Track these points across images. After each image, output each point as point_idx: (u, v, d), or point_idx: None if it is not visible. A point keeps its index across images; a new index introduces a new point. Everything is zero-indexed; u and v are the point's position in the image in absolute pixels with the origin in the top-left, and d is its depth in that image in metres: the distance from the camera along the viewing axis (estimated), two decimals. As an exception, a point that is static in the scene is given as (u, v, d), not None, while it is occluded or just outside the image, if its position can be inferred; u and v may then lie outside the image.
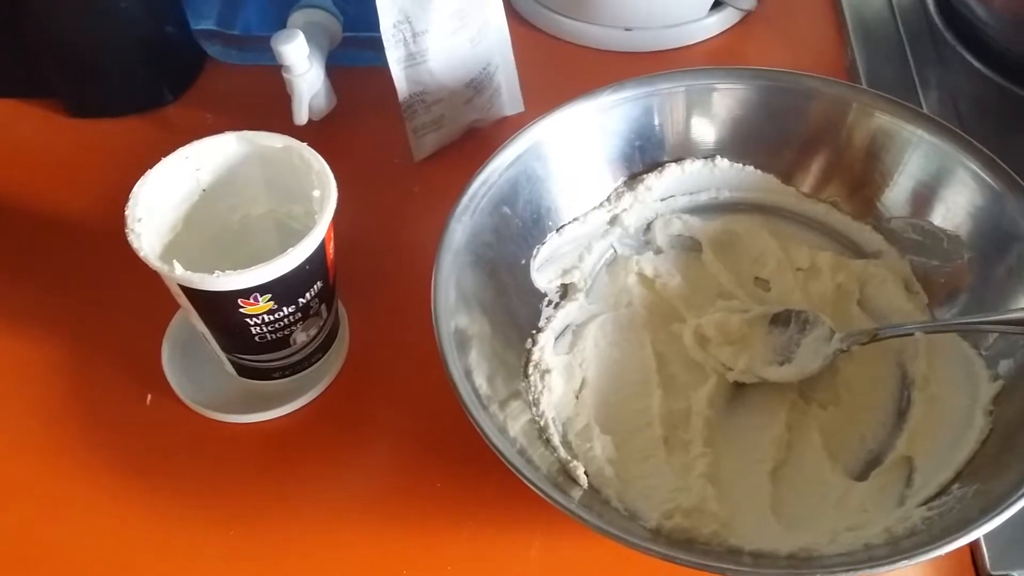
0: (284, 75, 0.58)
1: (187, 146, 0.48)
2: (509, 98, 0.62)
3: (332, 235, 0.47)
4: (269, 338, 0.47)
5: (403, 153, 0.61)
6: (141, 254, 0.44)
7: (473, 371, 0.43)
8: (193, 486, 0.48)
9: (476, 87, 0.59)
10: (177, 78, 0.65)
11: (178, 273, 0.43)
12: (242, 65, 0.67)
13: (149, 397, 0.51)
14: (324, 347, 0.51)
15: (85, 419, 0.50)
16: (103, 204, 0.56)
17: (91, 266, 0.56)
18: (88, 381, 0.52)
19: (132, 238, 0.44)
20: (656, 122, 0.53)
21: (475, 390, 0.42)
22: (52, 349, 0.53)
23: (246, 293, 0.44)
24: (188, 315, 0.47)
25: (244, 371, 0.50)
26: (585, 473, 0.45)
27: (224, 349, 0.49)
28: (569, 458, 0.45)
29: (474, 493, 0.47)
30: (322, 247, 0.46)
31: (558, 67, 0.66)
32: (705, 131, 0.54)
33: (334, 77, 0.62)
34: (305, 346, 0.49)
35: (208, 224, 0.50)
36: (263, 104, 0.60)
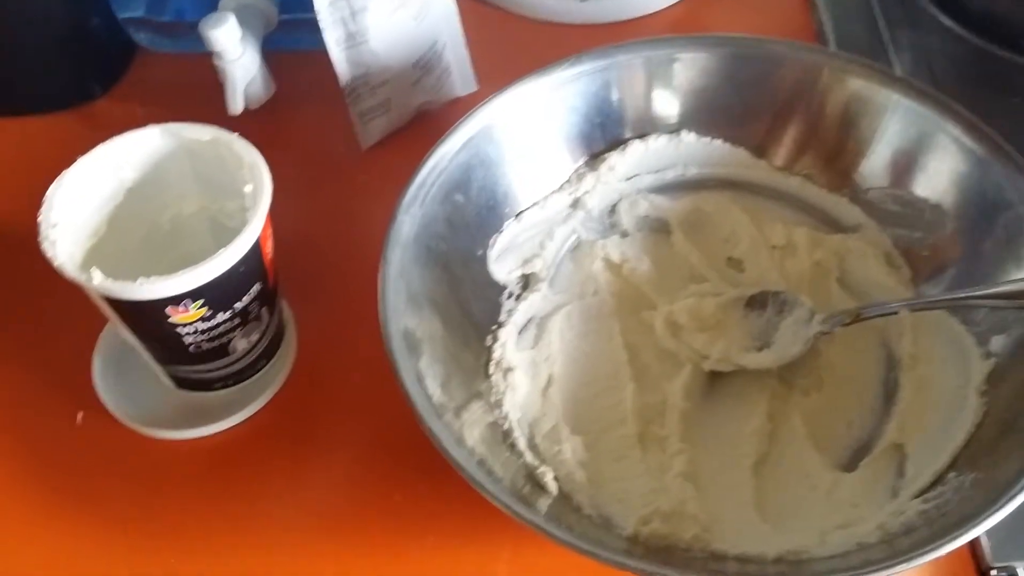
0: (215, 62, 0.54)
1: (107, 143, 0.44)
2: (460, 77, 0.58)
3: (270, 232, 0.44)
4: (205, 347, 0.43)
5: (349, 141, 0.57)
6: (56, 263, 0.40)
7: (426, 376, 0.40)
8: (130, 510, 0.44)
9: (423, 67, 0.56)
10: (104, 70, 0.61)
11: (96, 282, 0.39)
12: (175, 54, 0.62)
13: (80, 415, 0.47)
14: (268, 353, 0.47)
15: (10, 441, 0.46)
16: (25, 208, 0.51)
17: (11, 276, 0.52)
18: (12, 399, 0.48)
19: (46, 246, 0.40)
20: (616, 97, 0.49)
21: (428, 397, 0.39)
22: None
23: (175, 300, 0.40)
24: (115, 326, 0.43)
25: (182, 383, 0.46)
26: (555, 479, 0.41)
27: (158, 361, 0.45)
28: (536, 463, 0.42)
29: (436, 505, 0.44)
30: (257, 246, 0.42)
31: (512, 43, 0.63)
32: (669, 104, 0.50)
33: (272, 63, 0.58)
34: (247, 353, 0.45)
35: (135, 226, 0.46)
36: (199, 95, 0.56)
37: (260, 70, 0.56)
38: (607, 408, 0.46)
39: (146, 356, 0.45)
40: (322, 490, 0.45)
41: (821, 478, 0.43)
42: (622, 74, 0.49)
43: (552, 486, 0.41)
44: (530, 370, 0.46)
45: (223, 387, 0.47)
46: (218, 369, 0.45)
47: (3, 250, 0.53)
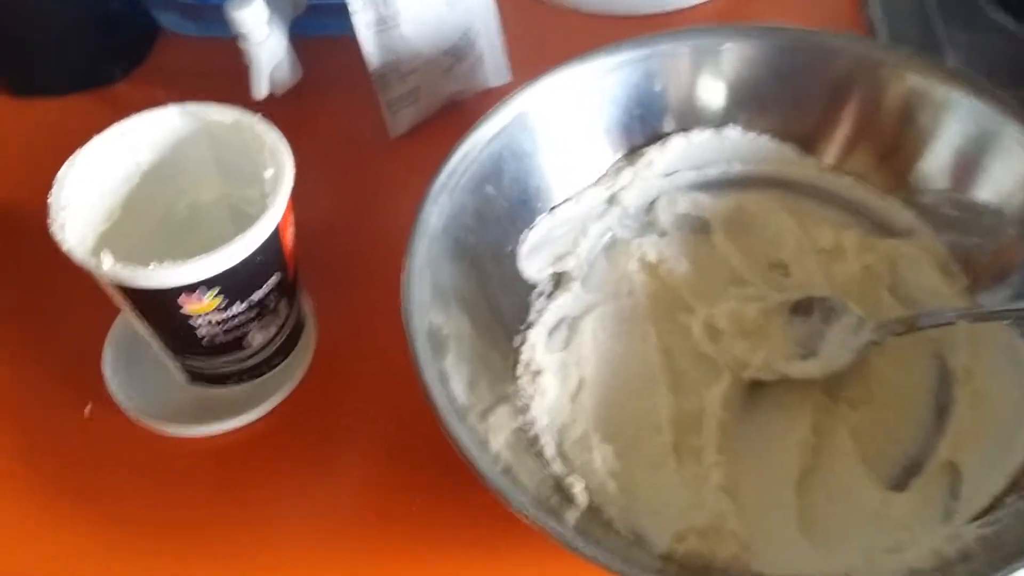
0: (241, 45, 0.52)
1: (122, 122, 0.42)
2: (493, 67, 0.56)
3: (291, 221, 0.41)
4: (220, 340, 0.41)
5: (376, 130, 0.55)
6: (65, 247, 0.38)
7: (451, 376, 0.37)
8: (138, 509, 0.42)
9: (455, 55, 0.53)
10: (127, 53, 0.59)
11: (106, 268, 0.37)
12: (200, 37, 0.61)
13: (88, 407, 0.45)
14: (286, 349, 0.45)
15: (14, 433, 0.45)
16: (40, 191, 0.50)
17: (24, 260, 0.50)
18: (19, 389, 0.46)
19: (55, 229, 0.38)
20: (657, 88, 0.47)
21: (452, 399, 0.36)
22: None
23: (188, 289, 0.38)
24: (127, 315, 0.41)
25: (195, 377, 0.44)
26: (584, 489, 0.39)
27: (171, 353, 0.43)
28: (565, 473, 0.40)
29: (458, 514, 0.41)
30: (277, 235, 0.40)
31: (549, 34, 0.60)
32: (713, 97, 0.47)
33: (299, 48, 0.56)
34: (263, 348, 0.43)
35: (151, 212, 0.44)
36: (223, 81, 0.54)
37: (287, 54, 0.54)
38: (640, 415, 0.43)
39: (158, 347, 0.43)
40: (338, 494, 0.43)
41: (869, 497, 0.40)
42: (665, 64, 0.46)
43: (581, 497, 0.39)
44: (560, 373, 0.43)
45: (237, 382, 0.45)
46: (233, 363, 0.43)
47: (17, 234, 0.51)
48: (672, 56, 0.46)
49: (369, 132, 0.55)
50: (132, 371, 0.46)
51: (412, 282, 0.39)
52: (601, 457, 0.41)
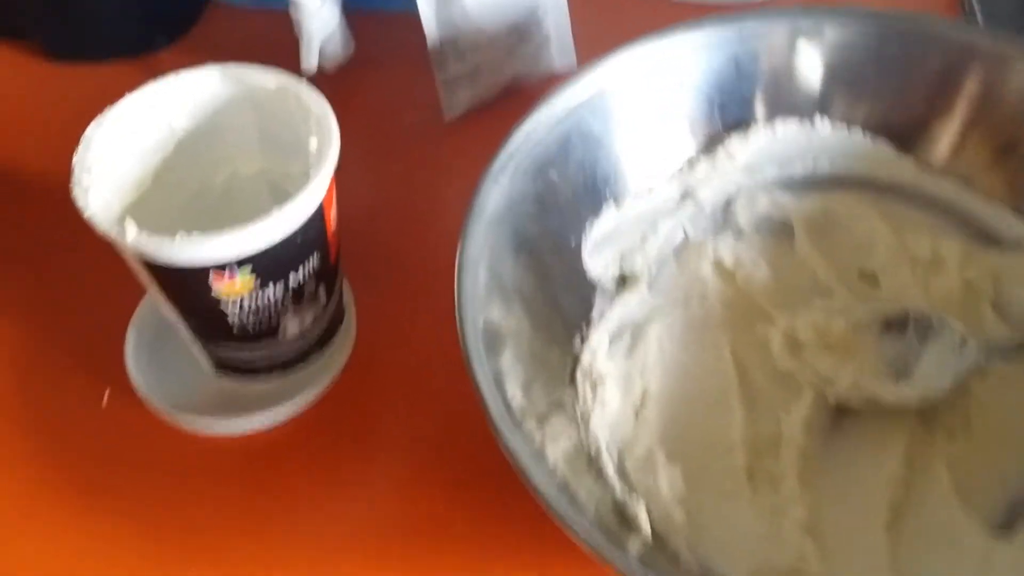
0: (292, 13, 0.48)
1: (158, 80, 0.38)
2: (559, 51, 0.52)
3: (334, 198, 0.38)
4: (252, 327, 0.38)
5: (431, 111, 0.51)
6: (86, 213, 0.34)
7: (506, 377, 0.33)
8: (153, 508, 0.39)
9: (520, 34, 0.49)
10: (173, 19, 0.56)
11: (130, 239, 0.33)
12: (250, 8, 0.57)
13: (106, 395, 0.41)
14: (323, 341, 0.41)
15: (24, 421, 0.41)
16: (68, 161, 0.47)
17: (49, 232, 0.47)
18: (34, 369, 0.42)
19: (77, 192, 0.35)
20: (742, 72, 0.42)
21: (507, 402, 0.32)
22: (6, 325, 0.44)
23: (219, 267, 0.35)
24: (152, 295, 0.38)
25: (223, 367, 0.41)
26: (648, 516, 0.35)
27: (198, 339, 0.39)
28: (626, 495, 0.35)
29: (507, 531, 0.37)
30: (320, 212, 0.36)
31: (621, 19, 0.56)
32: (804, 85, 0.43)
33: (353, 24, 0.52)
34: (298, 338, 0.40)
35: (183, 184, 0.40)
36: (270, 52, 0.49)
37: (339, 27, 0.50)
38: (711, 435, 0.39)
39: (185, 332, 0.39)
40: (373, 502, 0.39)
41: (971, 542, 0.35)
42: (754, 45, 0.42)
43: (645, 525, 0.34)
44: (622, 383, 0.39)
45: (268, 376, 0.41)
46: (264, 354, 0.39)
47: (43, 204, 0.48)
48: (762, 37, 0.42)
49: (421, 114, 0.51)
50: (155, 358, 0.42)
51: (466, 272, 0.35)
52: (667, 480, 0.36)
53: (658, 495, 0.36)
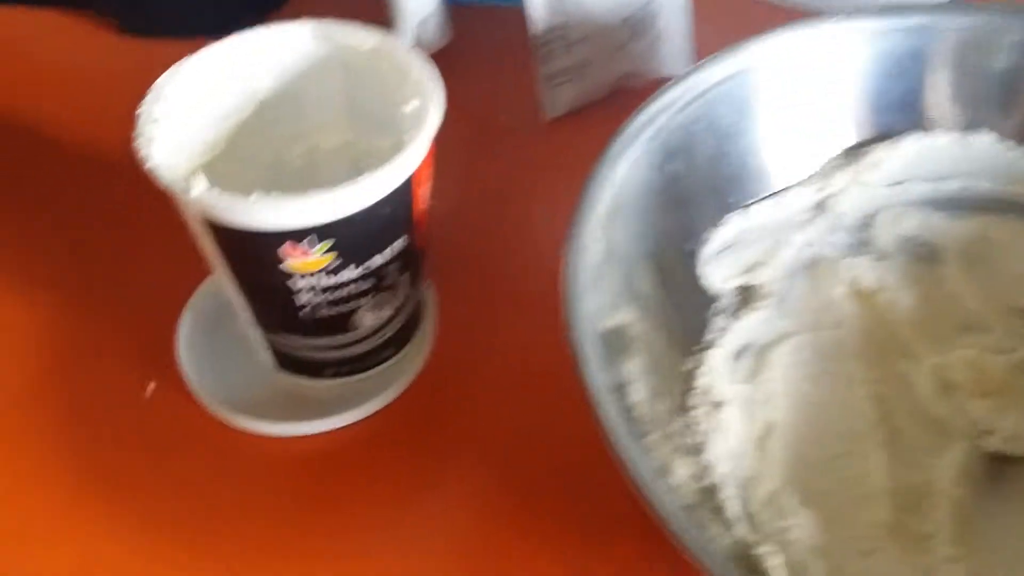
0: (387, -8, 0.45)
1: (242, 33, 0.34)
2: (674, 51, 0.47)
3: (430, 175, 0.33)
4: (323, 314, 0.33)
5: (527, 110, 0.47)
6: (148, 164, 0.30)
7: (628, 388, 0.28)
8: (197, 519, 0.34)
9: (633, 28, 0.45)
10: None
11: (196, 194, 0.29)
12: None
13: (151, 386, 0.37)
14: (400, 339, 0.36)
15: (59, 409, 0.36)
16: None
17: (107, 207, 0.43)
18: (72, 356, 0.38)
19: (141, 143, 0.31)
20: (902, 71, 0.37)
21: (627, 409, 0.27)
22: (43, 307, 0.39)
23: (295, 236, 0.30)
24: (215, 270, 0.33)
25: (286, 362, 0.36)
26: (784, 566, 0.29)
27: (261, 326, 0.35)
28: (754, 539, 0.29)
29: (614, 566, 0.31)
30: (410, 186, 0.32)
31: (744, 23, 0.51)
32: (967, 92, 0.38)
33: (451, 14, 0.48)
34: (373, 334, 0.35)
35: (260, 152, 0.36)
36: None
37: (436, 10, 0.46)
38: (848, 481, 0.33)
39: (247, 319, 0.35)
40: (451, 527, 0.33)
41: None
42: (918, 42, 0.37)
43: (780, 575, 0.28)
44: (745, 410, 0.34)
45: (336, 375, 0.36)
46: (335, 349, 0.35)
47: (106, 178, 0.44)
48: (929, 33, 0.37)
49: (520, 111, 0.47)
50: (211, 349, 0.38)
51: (577, 270, 0.30)
52: (801, 527, 0.30)
53: (792, 542, 0.30)
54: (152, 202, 0.41)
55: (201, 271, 0.39)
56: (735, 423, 0.33)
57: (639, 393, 0.28)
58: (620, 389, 0.27)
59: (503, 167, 0.46)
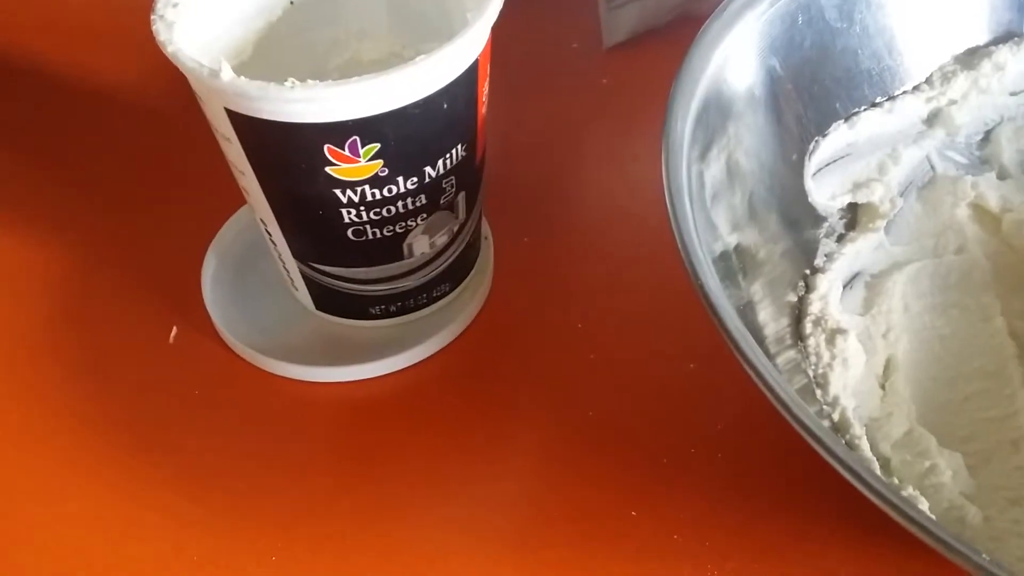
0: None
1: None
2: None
3: (488, 74, 0.29)
4: (371, 235, 0.28)
5: (586, 37, 0.42)
6: (168, 49, 0.25)
7: (757, 305, 0.23)
8: (227, 472, 0.29)
9: (704, -60, 0.40)
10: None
11: (225, 79, 0.24)
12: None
13: (174, 331, 0.32)
14: (456, 274, 0.32)
15: (75, 355, 0.32)
16: (165, 75, 0.39)
17: (136, 143, 0.39)
18: (89, 298, 0.34)
19: (159, 27, 0.26)
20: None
21: (758, 332, 0.22)
22: (56, 250, 0.35)
23: (338, 133, 0.25)
24: (245, 189, 0.29)
25: (325, 300, 0.31)
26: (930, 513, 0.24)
27: (298, 257, 0.30)
28: (896, 482, 0.25)
29: (702, 526, 0.27)
30: (474, 75, 0.27)
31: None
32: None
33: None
34: (427, 263, 0.30)
35: (292, 62, 0.31)
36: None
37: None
38: (989, 422, 0.28)
39: (281, 248, 0.30)
40: (506, 482, 0.29)
41: None
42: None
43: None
44: (864, 343, 0.29)
45: (383, 315, 0.31)
46: (381, 282, 0.30)
47: (135, 115, 0.40)
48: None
49: (576, 39, 0.43)
50: (239, 288, 0.33)
51: (674, 184, 0.25)
52: (950, 469, 0.25)
53: (938, 487, 0.25)
54: (176, 140, 0.38)
55: (226, 208, 0.35)
56: (855, 356, 0.28)
57: (762, 315, 0.23)
58: (749, 310, 0.23)
59: (562, 98, 0.41)
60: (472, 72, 0.27)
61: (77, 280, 0.34)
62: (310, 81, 0.24)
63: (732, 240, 0.26)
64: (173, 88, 0.38)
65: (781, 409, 0.20)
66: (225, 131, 0.27)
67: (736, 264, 0.25)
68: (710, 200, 0.26)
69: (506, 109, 0.40)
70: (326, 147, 0.26)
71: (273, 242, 0.30)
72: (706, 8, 0.42)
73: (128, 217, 0.36)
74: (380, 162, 0.26)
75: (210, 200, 0.35)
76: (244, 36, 0.30)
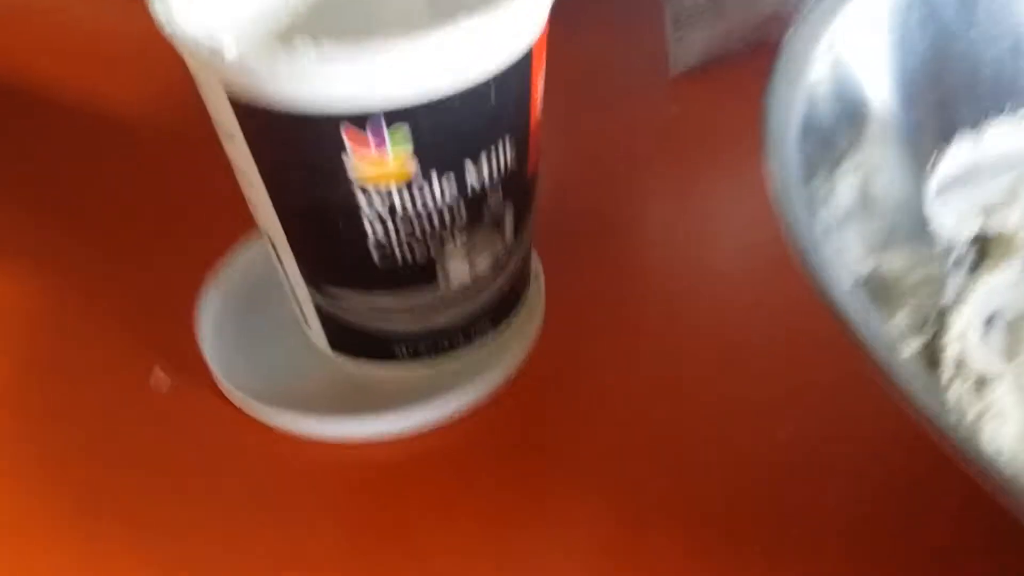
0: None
1: None
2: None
3: (543, 66, 0.24)
4: (398, 255, 0.23)
5: (653, 62, 0.38)
6: (166, 31, 0.21)
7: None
8: (224, 545, 0.23)
9: (782, -45, 0.36)
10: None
11: (229, 57, 0.20)
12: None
13: (155, 373, 0.27)
14: (499, 309, 0.26)
15: (53, 403, 0.27)
16: (172, 99, 0.35)
17: (138, 170, 0.34)
18: (70, 339, 0.29)
19: (157, 6, 0.22)
20: None
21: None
22: (32, 285, 0.30)
23: (358, 120, 0.20)
24: (251, 202, 0.24)
25: (343, 338, 0.26)
26: None
27: (310, 280, 0.25)
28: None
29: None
30: (527, 65, 0.22)
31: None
32: None
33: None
34: (465, 289, 0.25)
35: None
36: None
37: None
38: None
39: (290, 269, 0.25)
40: (566, 557, 0.23)
41: None
42: None
43: None
44: (1017, 393, 0.23)
45: (410, 356, 0.26)
46: (410, 313, 0.25)
47: (138, 140, 0.36)
48: None
49: (642, 63, 0.38)
50: (240, 329, 0.28)
51: (787, 186, 0.20)
52: None
53: None
54: (159, 168, 0.34)
55: (224, 241, 0.30)
56: (1015, 408, 0.22)
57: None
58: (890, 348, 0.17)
59: (623, 127, 0.36)
60: (525, 62, 0.22)
61: (54, 322, 0.29)
62: (327, 47, 0.20)
63: (865, 268, 0.20)
64: (163, 113, 0.34)
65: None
66: (228, 125, 0.22)
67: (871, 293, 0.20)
68: (832, 230, 0.21)
69: (563, 136, 0.36)
70: (345, 133, 0.21)
71: (282, 264, 0.25)
72: (778, 34, 0.37)
73: (113, 250, 0.31)
74: (410, 153, 0.21)
75: (206, 232, 0.30)
76: (263, 20, 0.25)
